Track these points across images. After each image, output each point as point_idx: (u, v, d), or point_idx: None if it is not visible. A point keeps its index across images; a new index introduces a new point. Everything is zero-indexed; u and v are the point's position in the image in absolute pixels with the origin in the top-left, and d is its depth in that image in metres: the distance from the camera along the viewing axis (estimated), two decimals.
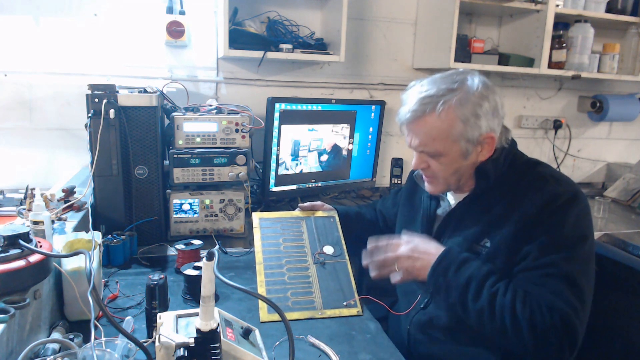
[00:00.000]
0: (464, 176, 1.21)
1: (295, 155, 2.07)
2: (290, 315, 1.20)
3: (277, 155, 2.00)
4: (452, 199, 1.32)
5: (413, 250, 1.16)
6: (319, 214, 1.53)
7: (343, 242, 1.44)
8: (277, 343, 1.08)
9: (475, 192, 1.21)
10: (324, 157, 2.18)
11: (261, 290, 1.24)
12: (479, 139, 1.14)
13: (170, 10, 2.00)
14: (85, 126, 1.49)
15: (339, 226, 1.50)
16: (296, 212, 1.53)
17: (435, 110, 1.12)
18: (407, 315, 1.30)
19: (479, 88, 1.13)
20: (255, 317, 1.20)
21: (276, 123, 1.94)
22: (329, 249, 1.39)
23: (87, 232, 1.23)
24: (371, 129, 2.30)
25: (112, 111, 1.46)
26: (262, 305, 1.18)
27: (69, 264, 1.07)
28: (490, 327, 1.05)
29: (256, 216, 1.47)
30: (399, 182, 2.43)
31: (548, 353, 1.01)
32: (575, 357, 1.25)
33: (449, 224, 1.26)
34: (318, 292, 1.28)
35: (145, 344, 0.89)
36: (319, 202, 1.57)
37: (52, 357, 0.83)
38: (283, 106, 1.94)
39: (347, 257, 1.39)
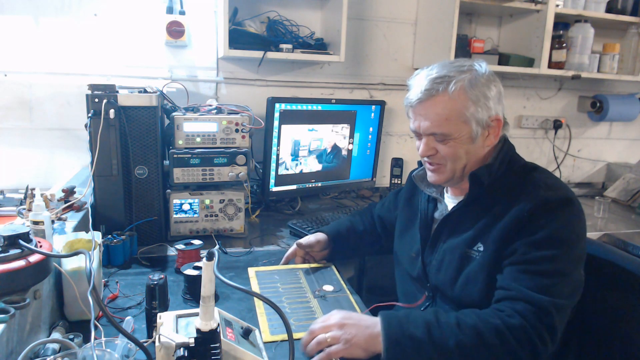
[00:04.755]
0: (469, 163, 1.20)
1: (295, 155, 2.07)
2: (293, 335, 1.15)
3: (277, 155, 2.00)
4: (449, 202, 1.32)
5: (345, 318, 1.05)
6: (315, 265, 1.51)
7: (343, 283, 1.41)
8: (277, 343, 1.08)
9: (471, 196, 1.21)
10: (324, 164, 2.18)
11: (262, 319, 1.19)
12: (487, 122, 1.16)
13: (170, 10, 2.00)
14: (85, 126, 1.49)
15: (337, 273, 1.48)
16: (291, 265, 1.51)
17: (448, 90, 1.13)
18: None
19: (487, 72, 1.17)
20: (255, 317, 1.19)
21: (276, 123, 1.94)
22: (328, 287, 1.36)
23: (87, 232, 1.23)
24: (371, 129, 2.30)
25: (112, 111, 1.46)
26: (264, 327, 1.15)
27: (69, 264, 1.07)
28: (477, 354, 0.99)
29: (252, 270, 1.46)
30: (399, 182, 2.43)
31: (536, 351, 0.99)
32: (575, 358, 1.25)
33: (445, 228, 1.26)
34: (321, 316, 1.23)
35: (145, 344, 0.89)
36: (313, 240, 1.51)
37: (52, 357, 0.83)
38: (283, 106, 1.94)
39: (348, 292, 1.35)
